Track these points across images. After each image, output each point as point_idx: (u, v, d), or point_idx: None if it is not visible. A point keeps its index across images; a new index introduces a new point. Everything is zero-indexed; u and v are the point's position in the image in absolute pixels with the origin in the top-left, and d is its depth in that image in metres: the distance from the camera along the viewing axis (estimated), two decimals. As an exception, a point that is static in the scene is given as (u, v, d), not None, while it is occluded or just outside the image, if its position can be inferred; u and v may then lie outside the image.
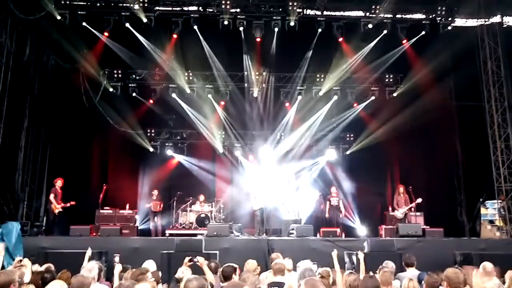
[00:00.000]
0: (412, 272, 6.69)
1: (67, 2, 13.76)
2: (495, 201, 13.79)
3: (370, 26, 14.27)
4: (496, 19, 14.55)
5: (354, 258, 8.41)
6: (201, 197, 14.92)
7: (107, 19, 14.01)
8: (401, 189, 13.61)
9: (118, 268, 6.05)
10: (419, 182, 14.65)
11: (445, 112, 15.77)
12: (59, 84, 15.17)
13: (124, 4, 14.03)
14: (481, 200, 14.49)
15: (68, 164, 14.73)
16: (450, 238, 11.65)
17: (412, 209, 13.30)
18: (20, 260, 5.91)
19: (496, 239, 12.82)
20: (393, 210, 13.64)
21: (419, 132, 15.16)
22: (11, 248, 9.67)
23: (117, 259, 6.36)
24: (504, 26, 14.88)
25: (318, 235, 12.16)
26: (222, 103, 15.94)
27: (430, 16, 14.57)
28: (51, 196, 12.53)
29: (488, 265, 5.49)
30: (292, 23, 14.02)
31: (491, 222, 14.04)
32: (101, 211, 13.56)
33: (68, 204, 12.55)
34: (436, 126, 15.41)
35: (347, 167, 16.18)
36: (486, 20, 14.36)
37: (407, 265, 6.92)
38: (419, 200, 13.01)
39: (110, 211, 13.68)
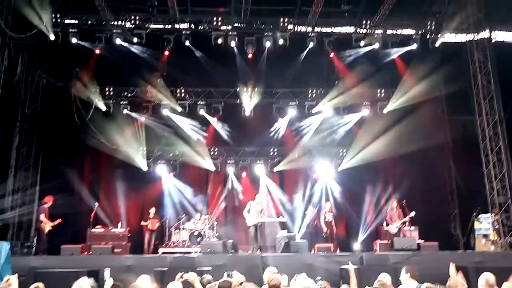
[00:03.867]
0: (412, 285, 6.58)
1: (59, 21, 13.78)
2: (489, 214, 13.76)
3: (362, 44, 14.47)
4: (485, 34, 14.71)
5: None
6: (195, 215, 14.81)
7: (99, 37, 14.06)
8: (394, 203, 13.60)
9: (109, 283, 5.84)
10: (413, 197, 14.60)
11: (437, 126, 15.85)
12: (51, 102, 15.09)
13: (116, 23, 14.10)
14: (474, 214, 14.46)
15: (60, 183, 14.54)
16: (446, 251, 11.59)
17: (406, 223, 13.24)
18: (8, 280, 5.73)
19: (492, 252, 12.77)
20: (387, 224, 13.60)
21: (412, 146, 15.14)
22: (0, 269, 9.48)
23: (107, 273, 6.12)
24: (493, 41, 15.08)
25: (313, 251, 12.07)
26: (215, 119, 15.91)
27: (420, 32, 14.76)
28: (42, 216, 12.39)
29: (490, 277, 5.44)
30: (281, 41, 14.17)
31: (485, 236, 13.97)
32: (93, 230, 13.40)
33: (56, 222, 12.43)
34: (428, 140, 15.40)
35: (340, 182, 16.12)
36: (475, 35, 14.52)
37: (413, 277, 6.76)
38: (412, 213, 12.97)
39: (102, 230, 13.52)
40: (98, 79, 15.00)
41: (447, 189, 16.10)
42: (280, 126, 16.20)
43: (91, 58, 14.57)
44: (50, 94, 15.11)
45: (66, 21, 14.05)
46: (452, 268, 5.63)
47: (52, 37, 13.67)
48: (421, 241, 12.44)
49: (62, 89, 14.66)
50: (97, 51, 14.41)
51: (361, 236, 15.41)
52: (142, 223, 14.40)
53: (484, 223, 14.05)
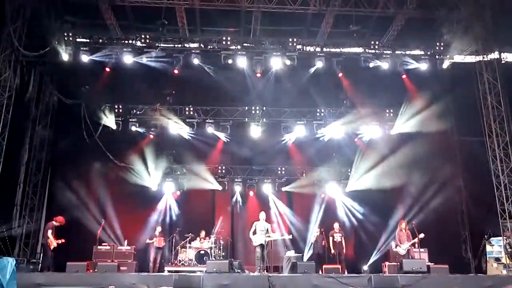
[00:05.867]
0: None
1: (70, 39, 13.97)
2: (501, 237, 13.53)
3: (371, 65, 14.45)
4: (494, 55, 14.71)
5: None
6: (202, 233, 14.70)
7: (109, 55, 14.21)
8: (403, 224, 13.38)
9: None
10: (422, 218, 14.40)
11: (447, 147, 15.72)
12: (61, 119, 15.24)
13: (126, 41, 14.27)
14: (486, 237, 14.23)
15: (67, 200, 14.57)
16: (456, 274, 11.35)
17: (416, 245, 13.02)
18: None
19: (503, 275, 12.50)
20: (396, 246, 13.39)
21: (421, 167, 15.05)
22: (5, 285, 9.45)
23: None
24: (503, 62, 15.05)
25: (320, 272, 11.90)
26: (223, 137, 15.92)
27: (428, 52, 14.77)
28: (48, 232, 12.39)
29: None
30: (289, 61, 14.21)
31: (497, 259, 13.73)
32: (99, 247, 13.38)
33: (60, 241, 12.45)
34: (438, 162, 15.30)
35: (349, 202, 15.97)
36: (484, 56, 14.52)
37: None
38: (422, 235, 12.75)
39: (108, 247, 13.49)
40: (108, 97, 15.11)
41: (457, 211, 15.87)
42: (288, 145, 16.16)
43: (101, 76, 14.69)
44: (60, 111, 15.26)
45: (78, 39, 14.24)
46: None
47: (64, 56, 13.87)
48: (430, 264, 12.20)
49: (72, 106, 14.80)
50: (108, 69, 14.55)
51: (371, 257, 15.16)
52: (148, 241, 14.31)
53: (496, 246, 13.84)
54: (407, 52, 14.78)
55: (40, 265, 13.09)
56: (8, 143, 12.82)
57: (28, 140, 14.50)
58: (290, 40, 14.19)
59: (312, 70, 14.70)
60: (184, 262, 14.14)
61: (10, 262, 9.85)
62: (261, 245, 12.26)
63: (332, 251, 13.69)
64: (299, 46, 14.40)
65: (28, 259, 13.25)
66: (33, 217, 14.46)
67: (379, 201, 15.66)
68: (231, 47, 14.31)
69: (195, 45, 14.71)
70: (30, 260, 13.30)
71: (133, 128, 15.37)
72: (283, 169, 16.11)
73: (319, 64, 14.43)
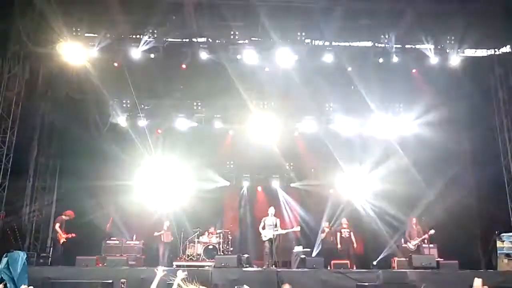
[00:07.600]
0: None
1: (79, 34, 13.92)
2: (511, 234, 13.40)
3: (380, 60, 14.26)
4: (506, 49, 14.49)
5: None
6: (210, 228, 14.71)
7: (117, 50, 14.16)
8: (414, 220, 13.33)
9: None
10: (433, 214, 14.28)
11: (457, 142, 15.53)
12: (69, 114, 15.27)
13: (134, 36, 14.22)
14: (496, 232, 14.09)
15: (76, 195, 14.63)
16: (466, 270, 11.26)
17: (425, 240, 12.96)
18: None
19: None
20: (406, 242, 13.34)
21: (432, 163, 14.89)
22: (16, 278, 9.54)
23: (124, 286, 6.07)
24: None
25: (329, 267, 11.88)
26: (231, 132, 15.88)
27: (439, 46, 14.54)
28: (57, 226, 12.53)
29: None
30: (296, 57, 14.07)
31: (508, 255, 13.58)
32: (108, 242, 13.46)
33: (70, 236, 12.53)
34: (449, 158, 15.14)
35: (359, 197, 15.86)
36: (496, 50, 14.31)
37: None
38: (432, 231, 12.71)
39: (117, 242, 13.57)
40: (116, 92, 15.08)
41: (468, 207, 15.70)
42: (297, 139, 16.07)
43: (109, 71, 14.67)
44: (69, 106, 15.29)
45: (86, 35, 14.19)
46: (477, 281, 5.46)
47: (73, 51, 13.81)
48: (440, 259, 12.12)
49: (81, 101, 14.83)
50: (116, 64, 14.53)
51: (380, 253, 15.07)
52: (156, 233, 14.37)
53: (507, 243, 13.69)
54: (417, 46, 14.55)
55: (50, 259, 13.20)
56: (18, 138, 12.91)
57: (38, 135, 14.56)
58: (298, 34, 14.00)
59: (322, 66, 14.53)
60: (193, 257, 14.16)
61: (21, 256, 9.97)
62: (270, 240, 12.26)
63: (339, 246, 13.66)
64: (307, 40, 14.24)
65: (38, 253, 13.36)
66: (42, 211, 14.54)
67: (389, 196, 15.55)
68: (239, 42, 14.16)
69: (203, 39, 14.58)
70: (40, 254, 13.42)
71: (141, 123, 15.39)
72: (292, 164, 16.05)
73: (328, 58, 14.26)
